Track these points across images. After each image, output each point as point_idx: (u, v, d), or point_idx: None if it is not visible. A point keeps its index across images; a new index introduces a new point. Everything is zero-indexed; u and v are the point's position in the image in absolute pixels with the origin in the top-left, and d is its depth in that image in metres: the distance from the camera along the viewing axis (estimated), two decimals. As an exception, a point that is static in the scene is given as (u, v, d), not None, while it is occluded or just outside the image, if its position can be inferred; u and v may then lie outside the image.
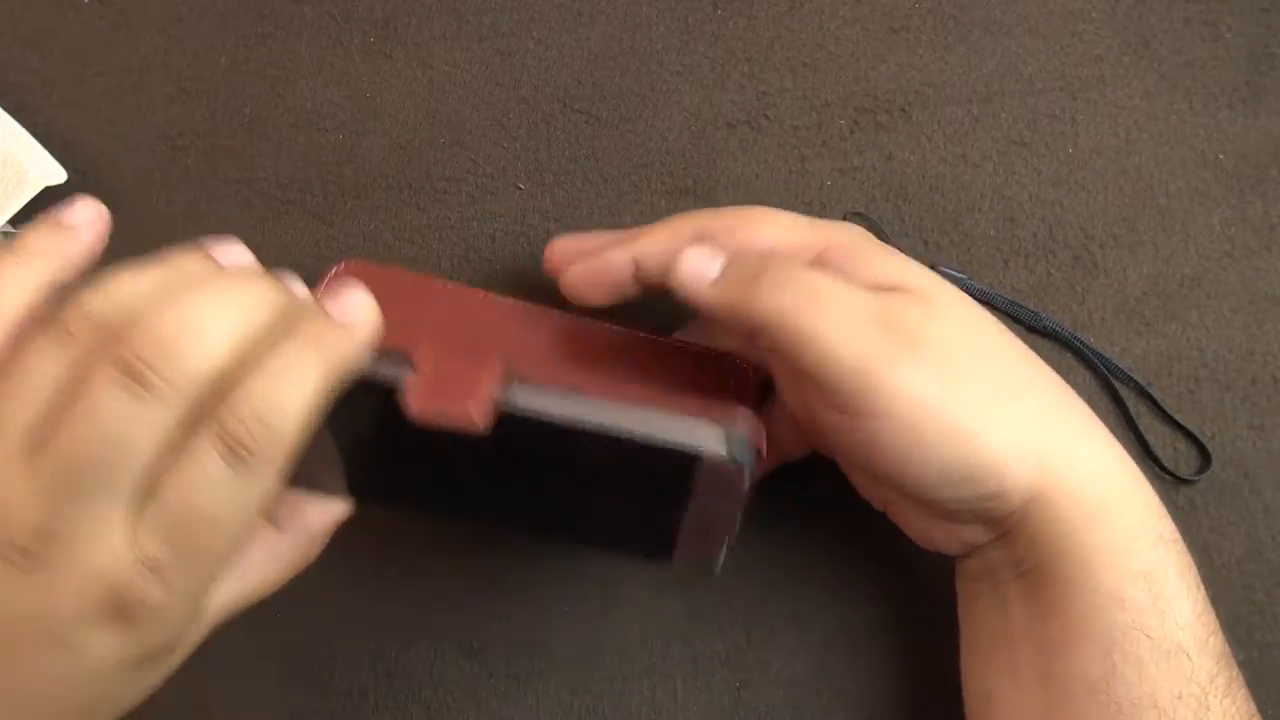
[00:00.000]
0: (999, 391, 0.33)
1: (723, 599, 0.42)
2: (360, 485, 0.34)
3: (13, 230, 0.43)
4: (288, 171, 0.45)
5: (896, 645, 0.42)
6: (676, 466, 0.31)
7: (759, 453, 0.32)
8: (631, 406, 0.31)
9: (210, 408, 0.27)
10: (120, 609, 0.27)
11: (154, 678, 0.31)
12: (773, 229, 0.36)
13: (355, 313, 0.30)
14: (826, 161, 0.44)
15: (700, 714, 0.42)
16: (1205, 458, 0.42)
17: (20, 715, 0.28)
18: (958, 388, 0.32)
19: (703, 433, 0.31)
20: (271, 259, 0.45)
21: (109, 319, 0.27)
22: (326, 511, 0.34)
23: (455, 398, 0.30)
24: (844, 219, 0.44)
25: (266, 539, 0.33)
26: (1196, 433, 0.42)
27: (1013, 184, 0.44)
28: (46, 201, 0.45)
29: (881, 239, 0.44)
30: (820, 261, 0.35)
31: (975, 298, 0.43)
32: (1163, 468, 0.42)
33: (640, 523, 0.34)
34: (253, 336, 0.28)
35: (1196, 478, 0.42)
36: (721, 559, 0.34)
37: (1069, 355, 0.43)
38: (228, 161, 0.45)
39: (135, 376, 0.26)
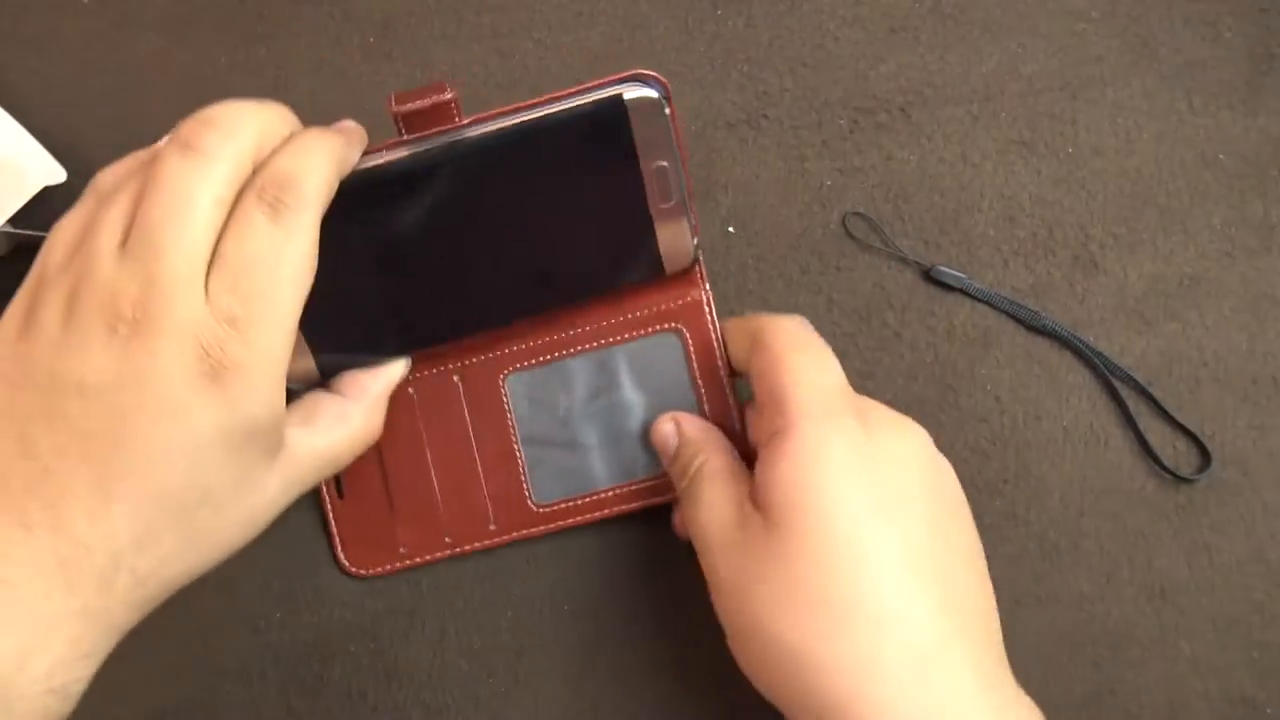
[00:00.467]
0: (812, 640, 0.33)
1: (723, 599, 0.42)
2: (383, 342, 0.40)
3: (13, 230, 0.43)
4: (287, 172, 0.45)
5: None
6: (610, 127, 0.36)
7: (668, 93, 0.37)
8: (560, 98, 0.37)
9: (251, 182, 0.34)
10: (210, 368, 0.32)
11: (260, 484, 0.35)
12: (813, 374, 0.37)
13: (348, 127, 0.37)
14: (826, 161, 0.44)
15: (700, 714, 0.42)
16: (1205, 457, 0.42)
17: (140, 498, 0.32)
18: (778, 623, 0.34)
19: (616, 86, 0.36)
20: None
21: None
22: (380, 376, 0.40)
23: (426, 94, 0.36)
24: (843, 219, 0.44)
25: (332, 404, 0.39)
26: (1196, 432, 0.42)
27: (1012, 184, 0.44)
28: (46, 201, 0.45)
29: (882, 239, 0.44)
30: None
31: (975, 298, 0.43)
32: (1163, 466, 0.42)
33: (615, 231, 0.39)
34: (274, 130, 0.35)
35: (1196, 477, 0.42)
36: (695, 242, 0.40)
37: (1069, 355, 0.43)
38: (227, 162, 0.45)
39: (188, 145, 0.33)
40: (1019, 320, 0.43)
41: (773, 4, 0.45)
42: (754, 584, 0.34)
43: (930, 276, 0.43)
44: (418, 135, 0.36)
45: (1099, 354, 0.43)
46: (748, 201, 0.44)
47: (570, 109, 0.36)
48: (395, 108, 0.36)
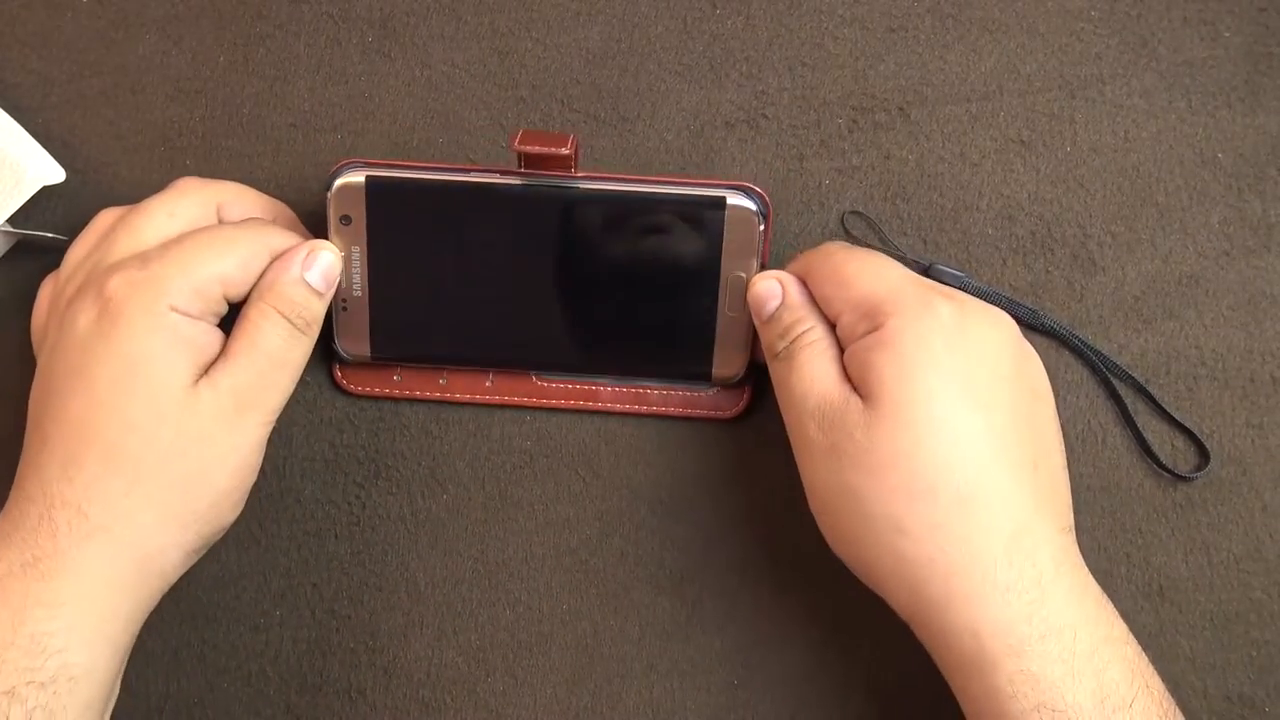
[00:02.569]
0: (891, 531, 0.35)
1: (722, 599, 0.42)
2: (431, 344, 0.43)
3: (11, 229, 0.43)
4: (286, 171, 0.45)
5: (893, 645, 0.42)
6: (705, 223, 0.40)
7: (769, 210, 0.40)
8: (668, 182, 0.40)
9: None
10: (105, 306, 0.36)
11: (186, 412, 0.36)
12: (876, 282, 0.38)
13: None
14: (825, 160, 0.44)
15: (698, 714, 0.42)
16: (1204, 455, 0.42)
17: (62, 432, 0.36)
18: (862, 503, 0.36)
19: (725, 191, 0.39)
20: (270, 258, 0.45)
21: None
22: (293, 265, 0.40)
23: (548, 141, 0.39)
24: (842, 218, 0.44)
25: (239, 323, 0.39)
26: (1195, 430, 0.42)
27: (1011, 182, 0.44)
28: (44, 201, 0.45)
29: (881, 238, 0.44)
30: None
31: (974, 295, 0.43)
32: (1161, 465, 0.42)
33: (678, 320, 0.41)
34: (241, 196, 0.42)
35: (1195, 475, 0.42)
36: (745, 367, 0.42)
37: (1067, 353, 0.43)
38: (226, 161, 0.45)
39: (166, 188, 0.41)
40: (1017, 319, 0.43)
41: (771, 3, 0.45)
42: (846, 452, 0.36)
43: (929, 275, 0.43)
44: (533, 172, 0.40)
45: (1097, 352, 0.43)
46: (746, 200, 0.44)
47: (676, 194, 0.40)
48: (519, 146, 0.38)
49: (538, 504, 0.43)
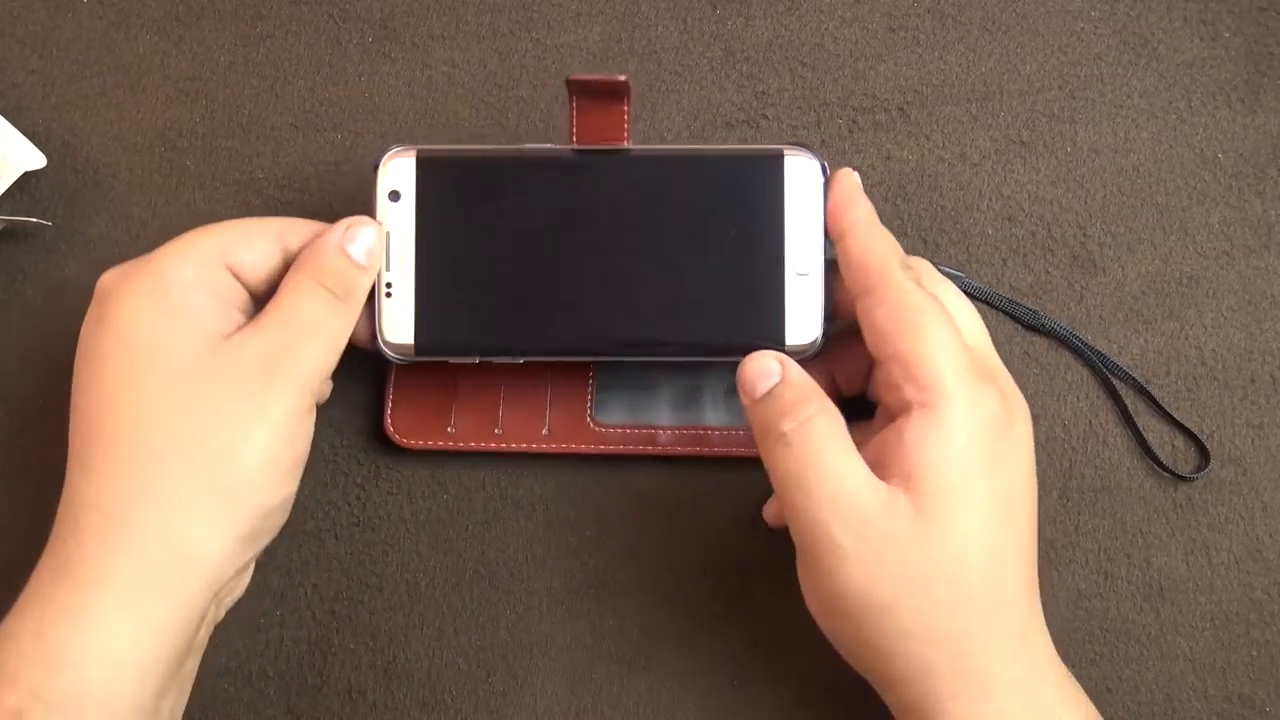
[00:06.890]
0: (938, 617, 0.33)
1: (723, 600, 0.42)
2: (486, 331, 0.39)
3: None
4: (286, 171, 0.45)
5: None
6: (766, 183, 0.38)
7: (826, 171, 0.38)
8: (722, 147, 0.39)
9: None
10: None
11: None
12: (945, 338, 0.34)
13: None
14: (825, 160, 0.44)
15: (699, 714, 0.42)
16: (1204, 455, 0.42)
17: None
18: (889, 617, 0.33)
19: (782, 147, 0.38)
20: (270, 259, 0.45)
21: None
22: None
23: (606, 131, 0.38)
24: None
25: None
26: (1195, 430, 0.42)
27: (1011, 183, 0.44)
28: (25, 187, 0.45)
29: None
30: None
31: (973, 296, 0.43)
32: (1161, 465, 0.42)
33: (746, 285, 0.38)
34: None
35: (1195, 475, 0.42)
36: (824, 328, 0.38)
37: (1067, 353, 0.43)
38: (226, 161, 0.45)
39: None
40: (1017, 319, 0.43)
41: (771, 3, 0.45)
42: (889, 560, 0.33)
43: (929, 275, 0.43)
44: (586, 145, 0.38)
45: (1097, 353, 0.43)
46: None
47: (734, 153, 0.38)
48: (573, 75, 0.37)
49: (538, 504, 0.43)
